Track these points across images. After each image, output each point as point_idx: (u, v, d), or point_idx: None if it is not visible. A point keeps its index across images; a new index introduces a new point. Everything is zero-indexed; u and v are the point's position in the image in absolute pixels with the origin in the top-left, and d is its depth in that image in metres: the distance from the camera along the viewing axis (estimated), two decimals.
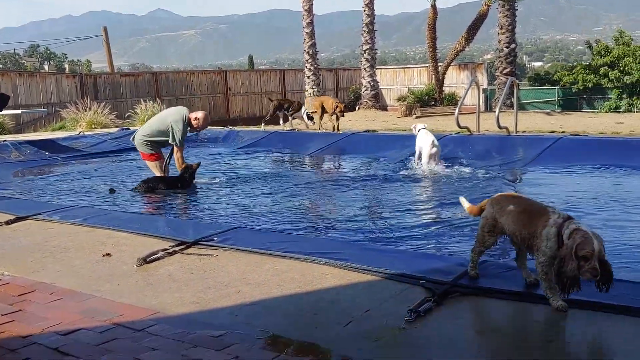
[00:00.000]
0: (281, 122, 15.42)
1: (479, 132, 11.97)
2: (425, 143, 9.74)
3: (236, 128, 16.22)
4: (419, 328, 2.93)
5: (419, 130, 10.10)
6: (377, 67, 31.43)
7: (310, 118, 13.64)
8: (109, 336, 2.99)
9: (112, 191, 8.21)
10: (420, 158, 9.69)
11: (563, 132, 12.61)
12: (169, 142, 8.56)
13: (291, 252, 4.15)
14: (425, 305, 3.13)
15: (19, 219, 5.58)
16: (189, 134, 8.91)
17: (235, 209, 6.98)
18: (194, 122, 8.66)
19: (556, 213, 3.03)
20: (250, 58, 60.93)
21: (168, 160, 8.87)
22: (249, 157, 12.00)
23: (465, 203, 3.81)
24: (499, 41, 26.99)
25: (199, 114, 8.76)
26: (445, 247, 5.09)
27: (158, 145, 8.76)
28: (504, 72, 26.43)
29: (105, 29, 33.90)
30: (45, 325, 3.14)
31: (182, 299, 3.47)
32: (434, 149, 9.64)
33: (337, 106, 12.64)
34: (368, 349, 2.73)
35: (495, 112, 12.06)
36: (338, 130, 12.32)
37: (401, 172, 9.43)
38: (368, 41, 29.44)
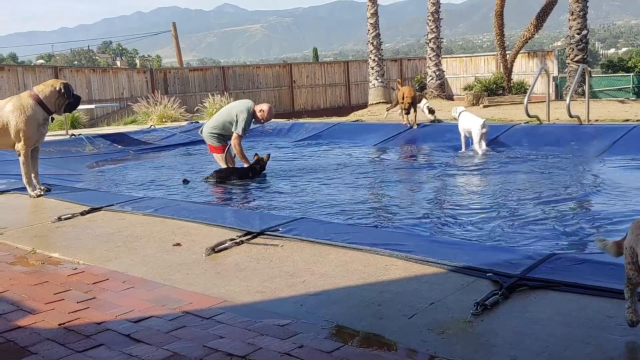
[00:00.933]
0: (400, 113, 15.76)
1: (549, 121, 11.64)
2: (473, 124, 9.57)
3: (300, 120, 16.32)
4: (485, 321, 2.89)
5: (460, 113, 9.93)
6: (442, 56, 30.86)
7: (432, 112, 13.10)
8: (178, 324, 3.06)
9: (185, 182, 8.44)
10: (469, 141, 9.58)
11: (638, 120, 12.08)
12: (232, 130, 8.73)
13: (355, 243, 4.15)
14: (492, 298, 3.08)
15: (93, 210, 5.77)
16: (253, 125, 9.10)
17: (299, 199, 7.04)
18: (258, 114, 8.86)
19: None
20: (315, 51, 60.89)
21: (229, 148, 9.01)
22: (312, 148, 12.06)
23: (606, 243, 2.82)
24: (570, 27, 26.04)
25: (264, 106, 8.99)
26: (512, 238, 4.99)
27: (225, 138, 8.96)
28: (575, 59, 25.50)
29: (174, 24, 34.70)
30: (118, 313, 3.25)
31: (248, 288, 3.53)
32: (485, 129, 9.48)
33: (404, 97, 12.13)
34: (434, 341, 2.71)
35: (566, 100, 11.69)
36: (410, 122, 11.98)
37: (464, 162, 9.28)
38: (433, 30, 28.96)
